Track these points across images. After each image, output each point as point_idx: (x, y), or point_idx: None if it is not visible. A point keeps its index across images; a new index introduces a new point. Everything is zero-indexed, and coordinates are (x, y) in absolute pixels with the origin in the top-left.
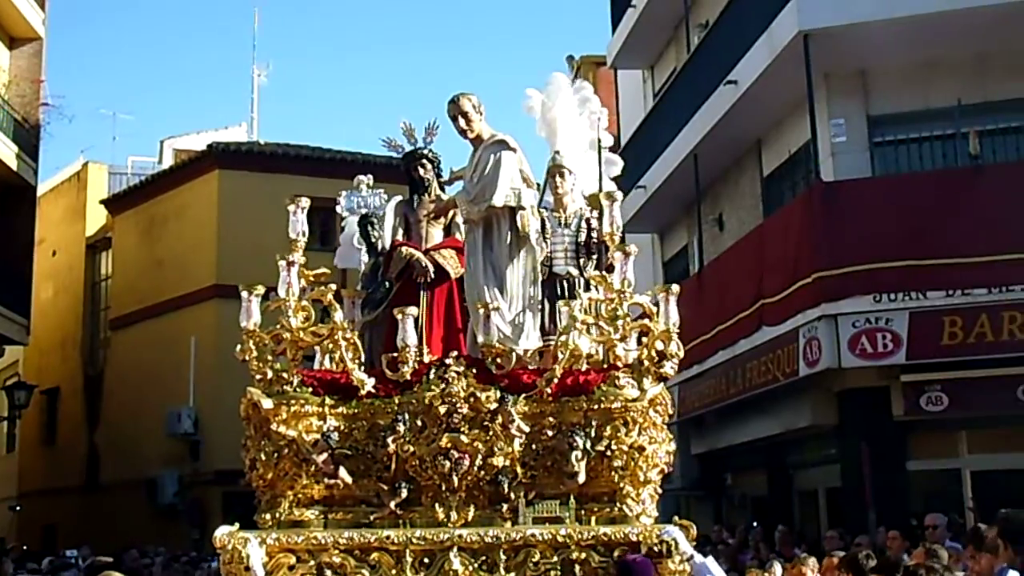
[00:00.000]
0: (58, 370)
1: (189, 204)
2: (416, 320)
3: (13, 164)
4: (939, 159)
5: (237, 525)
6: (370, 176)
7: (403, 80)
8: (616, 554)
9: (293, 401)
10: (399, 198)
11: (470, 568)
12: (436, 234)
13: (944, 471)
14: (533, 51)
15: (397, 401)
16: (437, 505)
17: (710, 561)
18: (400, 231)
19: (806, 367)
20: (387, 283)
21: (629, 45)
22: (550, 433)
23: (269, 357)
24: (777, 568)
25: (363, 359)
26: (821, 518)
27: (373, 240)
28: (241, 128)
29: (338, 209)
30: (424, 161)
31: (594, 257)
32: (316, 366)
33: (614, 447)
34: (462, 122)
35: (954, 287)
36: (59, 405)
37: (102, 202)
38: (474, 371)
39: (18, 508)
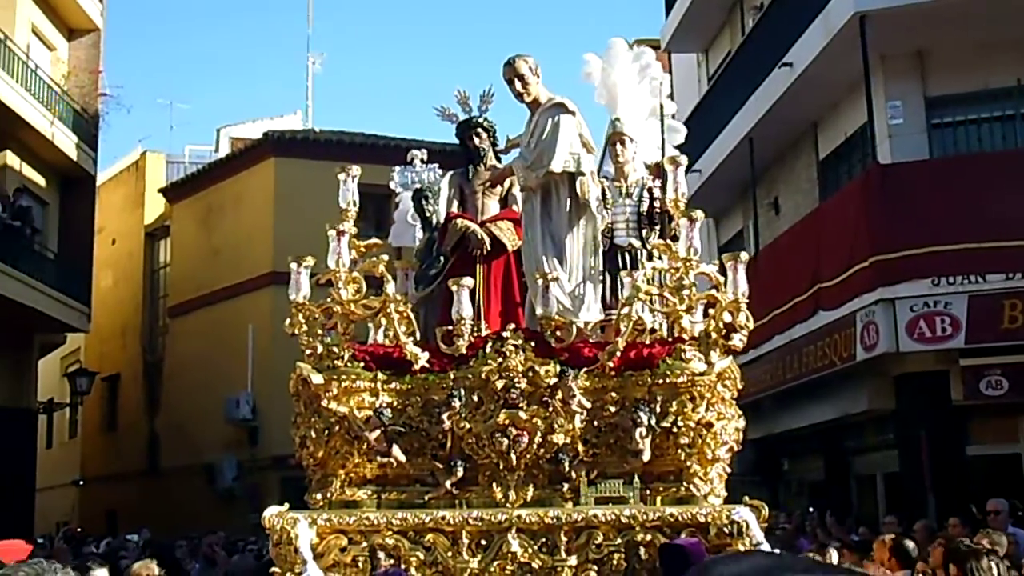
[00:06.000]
0: (118, 357)
1: (245, 192)
2: (472, 293)
3: (73, 154)
4: (998, 140)
5: (287, 505)
6: (424, 151)
7: (455, 65)
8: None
9: (344, 376)
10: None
11: (529, 550)
12: (492, 205)
13: (1004, 456)
14: (586, 35)
15: (452, 376)
16: (495, 484)
17: None
18: (455, 203)
19: (863, 352)
20: (442, 257)
21: (683, 28)
22: (613, 409)
23: (319, 331)
24: (833, 554)
25: (417, 334)
26: (879, 503)
27: (427, 215)
28: (296, 116)
29: (392, 184)
30: (479, 130)
31: (657, 228)
32: (371, 342)
33: (680, 423)
34: (518, 85)
35: (1014, 270)
36: (120, 392)
37: (160, 191)
38: (532, 344)
39: (81, 482)
